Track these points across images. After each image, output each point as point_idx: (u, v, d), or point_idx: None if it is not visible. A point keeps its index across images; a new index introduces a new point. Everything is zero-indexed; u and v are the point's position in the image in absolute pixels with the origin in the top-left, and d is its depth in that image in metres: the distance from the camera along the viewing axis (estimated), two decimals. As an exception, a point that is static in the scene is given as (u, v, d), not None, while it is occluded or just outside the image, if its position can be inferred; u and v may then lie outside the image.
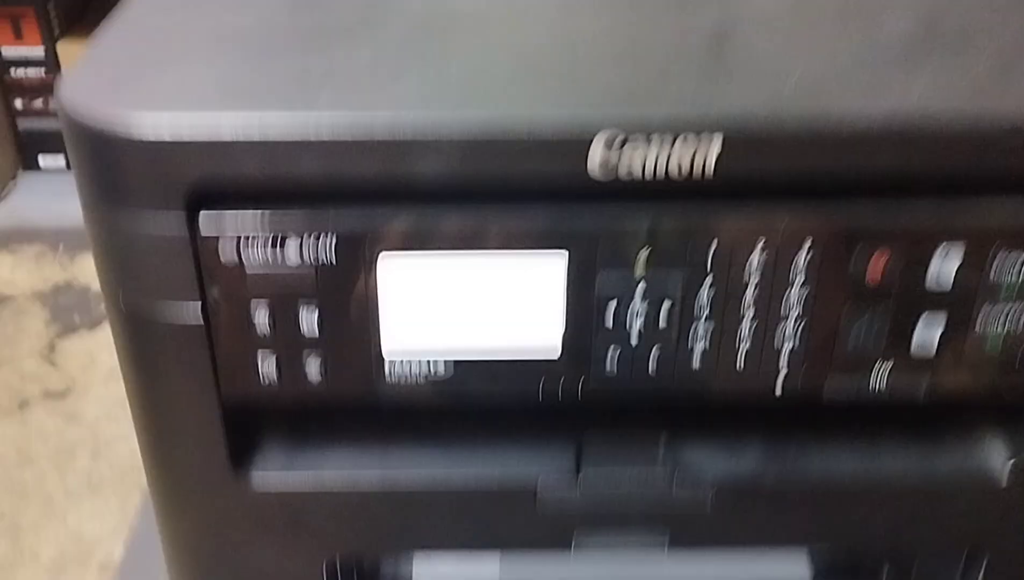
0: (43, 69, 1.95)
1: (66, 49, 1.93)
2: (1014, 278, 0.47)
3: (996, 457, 0.55)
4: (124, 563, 0.72)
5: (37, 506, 1.38)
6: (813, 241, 0.46)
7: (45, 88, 1.97)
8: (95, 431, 1.54)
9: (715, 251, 0.46)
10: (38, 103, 1.99)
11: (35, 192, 1.96)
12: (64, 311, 1.77)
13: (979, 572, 0.59)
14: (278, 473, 0.53)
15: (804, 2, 0.56)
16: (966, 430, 0.56)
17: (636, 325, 0.48)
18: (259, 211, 0.45)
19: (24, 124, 2.01)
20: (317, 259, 0.46)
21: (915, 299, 0.48)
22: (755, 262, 0.47)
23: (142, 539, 0.59)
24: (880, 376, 0.49)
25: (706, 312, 0.48)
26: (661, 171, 0.44)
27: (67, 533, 1.34)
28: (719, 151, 0.44)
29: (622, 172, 0.44)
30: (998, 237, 0.46)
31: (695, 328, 0.48)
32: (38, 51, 1.94)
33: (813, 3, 0.56)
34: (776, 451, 0.55)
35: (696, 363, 0.49)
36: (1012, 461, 0.54)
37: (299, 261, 0.46)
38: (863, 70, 0.48)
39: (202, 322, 0.47)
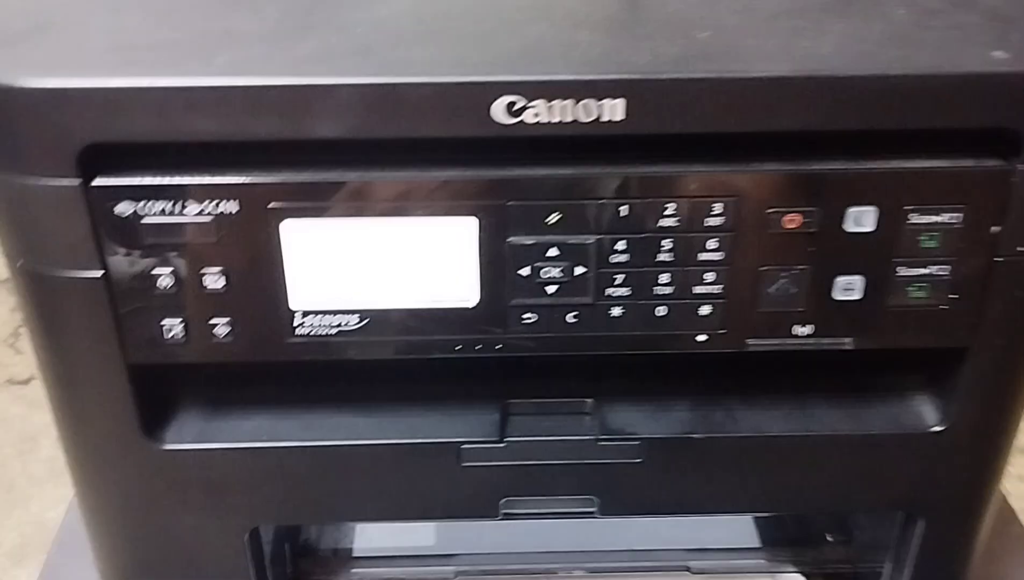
0: None
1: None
2: (931, 229, 0.46)
3: (927, 412, 0.54)
4: (60, 536, 0.70)
5: (-1, 493, 1.37)
6: (731, 193, 0.45)
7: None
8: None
9: (630, 204, 0.46)
10: None
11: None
12: (29, 298, 1.75)
13: (916, 533, 0.58)
14: (192, 438, 0.52)
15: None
16: (895, 386, 0.55)
17: (552, 278, 0.47)
18: (155, 178, 0.44)
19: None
20: (218, 222, 0.45)
21: (835, 247, 0.47)
22: (672, 214, 0.46)
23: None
24: (803, 325, 0.49)
25: (624, 264, 0.47)
26: (568, 121, 0.43)
27: (29, 519, 1.33)
28: (623, 115, 0.43)
29: (527, 124, 0.43)
30: (912, 194, 0.46)
31: (613, 281, 0.47)
32: None
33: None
34: (704, 410, 0.54)
35: (615, 315, 0.48)
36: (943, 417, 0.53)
37: (200, 224, 0.45)
38: (775, 28, 0.47)
39: (103, 285, 0.46)
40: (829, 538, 0.69)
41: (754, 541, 0.71)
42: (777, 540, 0.71)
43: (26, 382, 1.58)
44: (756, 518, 0.73)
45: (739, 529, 0.72)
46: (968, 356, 0.51)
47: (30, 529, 1.31)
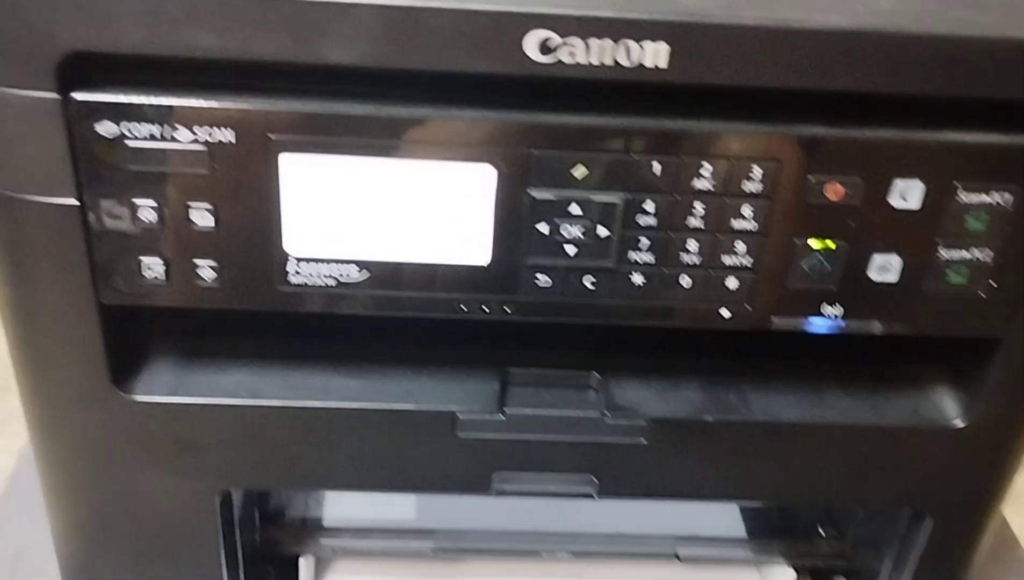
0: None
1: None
2: (980, 208, 0.43)
3: (948, 408, 0.51)
4: (8, 489, 0.66)
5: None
6: (772, 156, 0.42)
7: None
8: (5, 365, 1.46)
9: (663, 162, 0.42)
10: None
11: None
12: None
13: (922, 531, 0.55)
14: (165, 390, 0.47)
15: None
16: (916, 376, 0.52)
17: (572, 238, 0.43)
18: (144, 97, 0.39)
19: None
20: (212, 151, 0.40)
21: (876, 223, 0.43)
22: (707, 176, 0.42)
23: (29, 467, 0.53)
24: (833, 305, 0.45)
25: (650, 228, 0.43)
26: (607, 65, 0.39)
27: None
28: (666, 62, 0.39)
29: (564, 64, 0.39)
30: (963, 170, 0.43)
31: (637, 245, 0.44)
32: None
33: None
34: (716, 391, 0.51)
35: (636, 283, 0.44)
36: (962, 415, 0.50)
37: (191, 152, 0.40)
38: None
39: (78, 214, 0.41)
40: (821, 532, 0.66)
41: (741, 531, 0.69)
42: (766, 531, 0.68)
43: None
44: (745, 508, 0.70)
45: (727, 518, 0.69)
46: (998, 349, 0.48)
47: (-29, 481, 1.25)
